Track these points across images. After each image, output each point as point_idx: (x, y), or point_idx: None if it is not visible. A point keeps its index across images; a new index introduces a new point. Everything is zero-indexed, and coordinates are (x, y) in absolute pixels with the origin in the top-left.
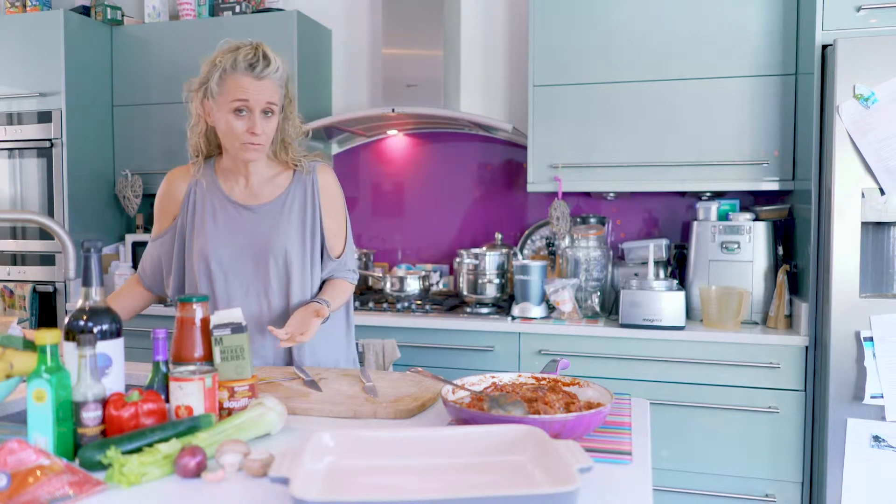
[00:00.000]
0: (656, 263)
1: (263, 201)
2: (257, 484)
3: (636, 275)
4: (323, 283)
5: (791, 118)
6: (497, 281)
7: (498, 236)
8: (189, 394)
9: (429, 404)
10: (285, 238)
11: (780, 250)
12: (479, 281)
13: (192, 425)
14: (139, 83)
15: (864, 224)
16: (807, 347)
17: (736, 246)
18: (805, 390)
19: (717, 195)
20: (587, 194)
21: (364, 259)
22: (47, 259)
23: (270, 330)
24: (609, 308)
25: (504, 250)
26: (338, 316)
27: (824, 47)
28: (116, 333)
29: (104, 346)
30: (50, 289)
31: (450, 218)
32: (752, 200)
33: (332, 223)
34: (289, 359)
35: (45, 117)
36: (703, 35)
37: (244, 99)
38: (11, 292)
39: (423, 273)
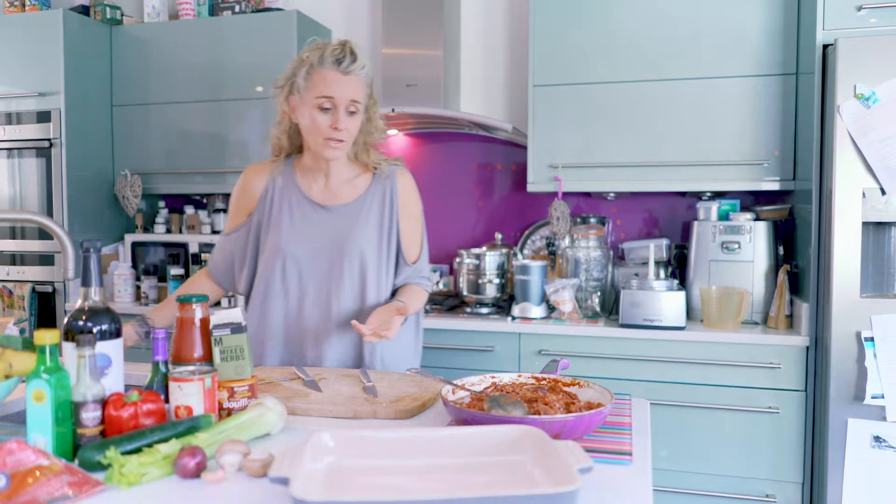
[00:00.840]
0: (657, 263)
1: (341, 202)
2: (257, 484)
3: (636, 275)
4: (395, 290)
5: (791, 118)
6: (497, 281)
7: (498, 236)
8: (189, 394)
9: (429, 404)
10: (362, 239)
11: (781, 250)
12: (479, 281)
13: (192, 425)
14: (139, 83)
15: (865, 224)
16: (807, 347)
17: (736, 246)
18: (805, 390)
19: (718, 195)
20: (587, 194)
21: None
22: (46, 259)
23: (354, 325)
24: (609, 308)
25: (504, 250)
26: (408, 322)
27: (825, 47)
28: (116, 333)
29: (103, 347)
30: (49, 289)
31: (450, 218)
32: (752, 200)
33: (409, 228)
34: (359, 361)
35: (44, 117)
36: (703, 35)
37: (329, 95)
38: (10, 292)
39: None
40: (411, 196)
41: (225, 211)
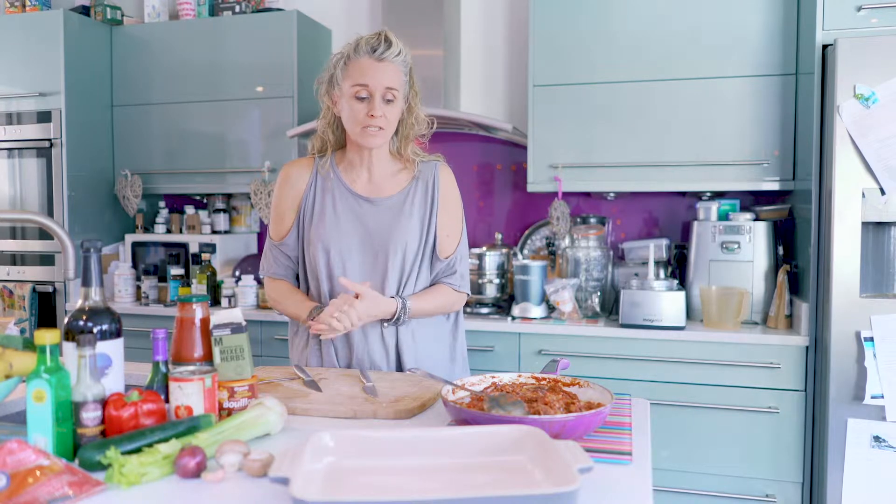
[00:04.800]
0: (656, 263)
1: (385, 195)
2: (257, 484)
3: (636, 275)
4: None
5: (791, 118)
6: (497, 281)
7: (498, 236)
8: (189, 394)
9: (429, 404)
10: (406, 233)
11: (781, 250)
12: (479, 281)
13: (192, 425)
14: (139, 83)
15: (865, 224)
16: (807, 347)
17: (736, 246)
18: (805, 390)
19: (718, 195)
20: (587, 194)
21: None
22: (47, 259)
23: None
24: (609, 308)
25: (504, 250)
26: (442, 327)
27: (825, 47)
28: (116, 333)
29: (104, 346)
30: (50, 289)
31: None
32: (752, 200)
33: (446, 220)
34: (398, 362)
35: (44, 117)
36: (703, 35)
37: (364, 83)
38: (11, 292)
39: None
40: (451, 191)
41: (225, 211)
